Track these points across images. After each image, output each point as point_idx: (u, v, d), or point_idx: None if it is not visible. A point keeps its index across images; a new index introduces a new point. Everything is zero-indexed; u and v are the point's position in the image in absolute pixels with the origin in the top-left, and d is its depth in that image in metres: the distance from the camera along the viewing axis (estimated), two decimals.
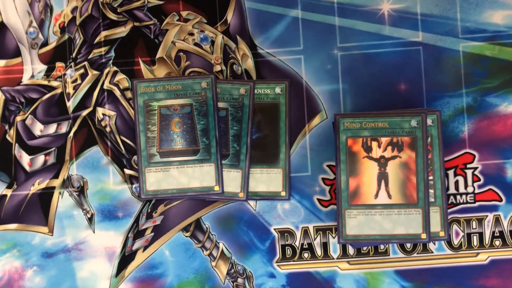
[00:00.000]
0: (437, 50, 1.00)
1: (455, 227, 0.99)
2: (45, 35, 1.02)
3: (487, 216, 0.99)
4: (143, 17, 1.02)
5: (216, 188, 0.98)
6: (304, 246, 1.00)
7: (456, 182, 0.99)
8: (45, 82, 1.02)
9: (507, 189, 0.99)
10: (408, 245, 0.99)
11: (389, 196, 0.95)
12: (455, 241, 0.99)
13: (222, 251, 1.01)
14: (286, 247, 1.00)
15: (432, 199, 0.95)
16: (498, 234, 0.99)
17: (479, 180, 0.99)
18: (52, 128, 1.02)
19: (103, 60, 1.02)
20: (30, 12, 1.02)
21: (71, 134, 1.02)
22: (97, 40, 1.01)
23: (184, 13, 1.02)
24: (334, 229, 1.00)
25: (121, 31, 1.01)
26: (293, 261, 1.00)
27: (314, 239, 1.00)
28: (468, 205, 0.99)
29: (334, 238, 1.00)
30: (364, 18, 1.00)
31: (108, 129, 1.01)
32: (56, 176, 1.02)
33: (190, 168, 0.99)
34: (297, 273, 1.00)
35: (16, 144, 1.02)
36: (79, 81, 1.02)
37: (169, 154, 0.99)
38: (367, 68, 1.00)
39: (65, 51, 1.02)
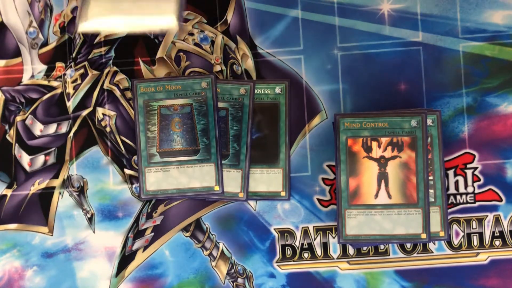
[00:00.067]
0: (437, 50, 1.00)
1: (455, 227, 0.99)
2: (45, 35, 1.02)
3: (487, 216, 0.99)
4: None
5: (216, 188, 0.98)
6: (304, 246, 1.00)
7: (456, 182, 0.99)
8: (45, 82, 1.02)
9: (507, 189, 0.99)
10: (408, 245, 0.99)
11: (389, 196, 0.95)
12: (455, 241, 0.99)
13: (222, 251, 1.01)
14: (286, 247, 1.00)
15: (432, 199, 0.95)
16: (498, 234, 0.99)
17: (479, 180, 0.99)
18: (52, 128, 1.02)
19: (103, 60, 1.01)
20: (30, 12, 1.02)
21: (71, 134, 1.02)
22: (97, 40, 1.01)
23: (184, 13, 1.02)
24: (334, 229, 1.00)
25: (121, 31, 1.01)
26: (293, 261, 1.00)
27: (314, 239, 1.00)
28: (468, 205, 0.99)
29: (334, 238, 1.00)
30: (364, 18, 1.00)
31: (108, 129, 1.01)
32: (56, 176, 1.02)
33: (190, 168, 0.99)
34: (297, 273, 1.00)
35: (16, 144, 1.02)
36: (79, 81, 1.02)
37: (169, 154, 0.99)
38: (367, 68, 1.00)
39: (65, 51, 1.02)
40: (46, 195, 1.02)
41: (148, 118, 0.99)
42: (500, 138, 0.99)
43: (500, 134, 0.99)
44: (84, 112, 1.02)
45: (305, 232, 1.00)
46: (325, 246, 1.00)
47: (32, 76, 1.02)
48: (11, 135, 1.02)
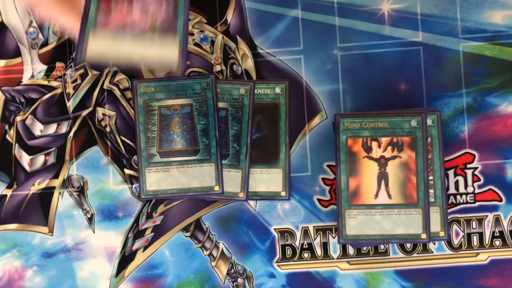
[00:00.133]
0: (437, 50, 1.00)
1: (455, 227, 0.99)
2: (45, 35, 1.02)
3: (487, 216, 0.99)
4: None
5: (216, 188, 0.98)
6: (304, 246, 1.00)
7: (456, 182, 0.99)
8: (45, 82, 1.02)
9: (507, 189, 0.99)
10: (408, 245, 0.99)
11: (389, 196, 0.95)
12: (455, 241, 0.99)
13: (222, 251, 1.01)
14: (286, 247, 1.00)
15: (432, 199, 0.95)
16: (498, 234, 0.99)
17: (479, 180, 0.99)
18: (52, 128, 1.02)
19: None
20: (30, 12, 1.02)
21: (71, 134, 1.02)
22: None
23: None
24: (334, 229, 1.00)
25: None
26: (293, 261, 1.00)
27: (314, 239, 1.00)
28: (468, 205, 0.99)
29: (334, 238, 1.00)
30: (364, 18, 1.00)
31: (108, 129, 1.01)
32: (56, 176, 1.02)
33: (190, 168, 0.99)
34: (297, 273, 1.00)
35: (16, 144, 1.02)
36: (79, 81, 1.02)
37: (169, 154, 0.99)
38: (367, 68, 1.00)
39: (65, 51, 1.02)
40: (46, 195, 1.02)
41: (148, 118, 0.99)
42: (500, 138, 0.99)
43: (500, 134, 0.99)
44: (84, 112, 1.02)
45: (305, 232, 1.00)
46: (325, 246, 1.00)
47: (32, 76, 1.02)
48: (11, 135, 1.02)
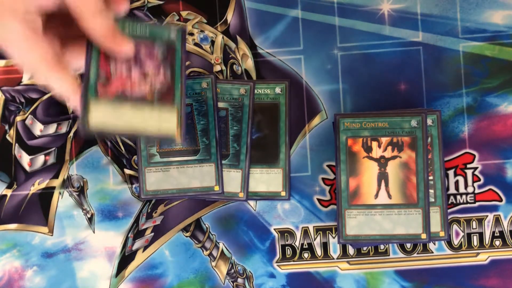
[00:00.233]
0: (437, 50, 1.00)
1: (455, 227, 0.99)
2: None
3: (487, 216, 0.99)
4: (143, 17, 1.02)
5: (216, 188, 0.98)
6: (304, 246, 1.00)
7: (456, 182, 0.99)
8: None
9: (507, 189, 0.99)
10: (408, 245, 0.99)
11: (389, 196, 0.95)
12: (455, 241, 0.99)
13: (222, 251, 1.01)
14: (286, 247, 1.00)
15: (432, 199, 0.95)
16: (498, 234, 0.99)
17: (479, 180, 0.99)
18: (52, 128, 1.02)
19: None
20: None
21: (71, 134, 1.02)
22: None
23: (184, 13, 1.02)
24: (334, 229, 1.00)
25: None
26: (293, 261, 1.00)
27: (314, 239, 1.00)
28: (468, 205, 0.99)
29: (334, 238, 1.00)
30: (364, 18, 1.00)
31: None
32: (56, 176, 1.02)
33: (190, 168, 0.99)
34: (297, 273, 1.00)
35: (16, 144, 1.02)
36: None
37: (169, 154, 0.99)
38: (367, 68, 1.00)
39: None
40: (46, 195, 1.02)
41: None
42: (500, 138, 0.99)
43: (500, 134, 0.99)
44: None
45: (305, 232, 1.00)
46: (325, 246, 1.00)
47: (32, 76, 1.02)
48: (11, 135, 1.02)
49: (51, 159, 1.02)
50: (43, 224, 1.01)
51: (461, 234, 0.99)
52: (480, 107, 0.99)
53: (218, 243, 1.01)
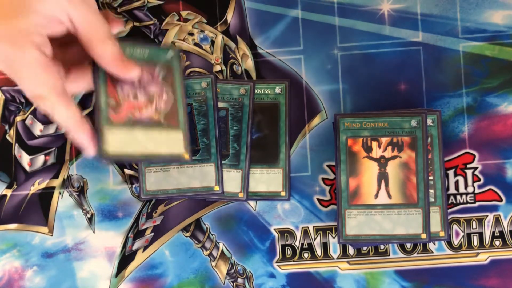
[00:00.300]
0: (437, 50, 1.00)
1: (455, 227, 0.99)
2: None
3: (487, 216, 0.99)
4: (143, 17, 1.02)
5: (216, 188, 0.98)
6: (304, 246, 1.00)
7: (456, 182, 0.99)
8: None
9: (507, 189, 0.99)
10: (408, 245, 0.99)
11: (389, 196, 0.95)
12: (455, 241, 0.99)
13: (222, 251, 1.01)
14: (286, 247, 1.00)
15: (432, 199, 0.95)
16: (498, 234, 0.99)
17: (479, 180, 0.99)
18: (52, 128, 1.02)
19: None
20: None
21: None
22: None
23: (184, 13, 1.02)
24: (334, 229, 1.00)
25: (121, 31, 1.01)
26: (293, 261, 1.00)
27: (314, 239, 1.00)
28: (468, 205, 0.99)
29: (334, 238, 1.00)
30: (364, 18, 1.00)
31: None
32: (56, 176, 1.02)
33: (190, 168, 0.99)
34: (297, 273, 1.00)
35: (16, 144, 1.02)
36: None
37: None
38: (367, 68, 1.00)
39: None
40: (46, 195, 1.02)
41: None
42: (500, 138, 0.99)
43: (500, 134, 0.99)
44: (84, 112, 1.02)
45: (305, 232, 1.00)
46: (325, 246, 1.00)
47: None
48: (11, 135, 1.02)
49: (51, 159, 1.02)
50: (43, 224, 1.01)
51: (461, 234, 0.99)
52: (480, 107, 0.99)
53: (218, 243, 1.01)
